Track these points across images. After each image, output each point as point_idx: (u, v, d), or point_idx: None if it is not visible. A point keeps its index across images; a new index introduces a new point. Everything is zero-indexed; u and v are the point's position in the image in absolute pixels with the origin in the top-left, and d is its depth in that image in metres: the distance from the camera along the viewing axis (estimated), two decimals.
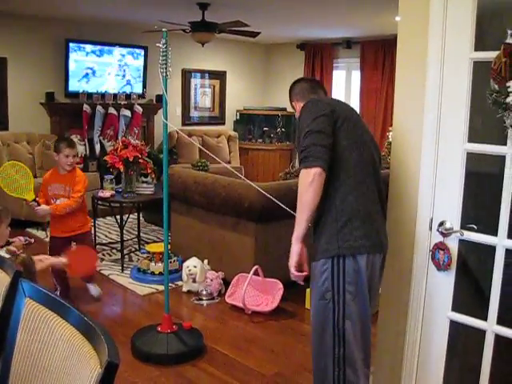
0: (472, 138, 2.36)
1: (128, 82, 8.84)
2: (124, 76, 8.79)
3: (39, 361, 1.56)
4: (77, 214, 4.50)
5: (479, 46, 2.30)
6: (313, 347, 2.50)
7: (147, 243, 6.04)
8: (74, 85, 8.21)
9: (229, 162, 9.81)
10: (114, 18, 7.82)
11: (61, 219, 4.45)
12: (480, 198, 2.63)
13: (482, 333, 2.39)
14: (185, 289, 4.94)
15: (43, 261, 2.90)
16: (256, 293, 4.63)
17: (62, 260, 3.06)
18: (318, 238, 2.42)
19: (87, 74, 8.36)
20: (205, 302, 4.74)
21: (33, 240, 6.35)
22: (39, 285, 1.72)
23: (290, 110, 10.21)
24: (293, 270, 2.40)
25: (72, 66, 8.11)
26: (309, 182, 2.28)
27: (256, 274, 4.53)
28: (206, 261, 5.02)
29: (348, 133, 2.43)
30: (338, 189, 2.38)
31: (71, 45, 8.03)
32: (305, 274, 2.45)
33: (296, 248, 2.38)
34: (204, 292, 4.79)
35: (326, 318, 2.38)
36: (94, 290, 4.71)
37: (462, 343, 2.74)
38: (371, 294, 2.44)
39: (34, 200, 4.22)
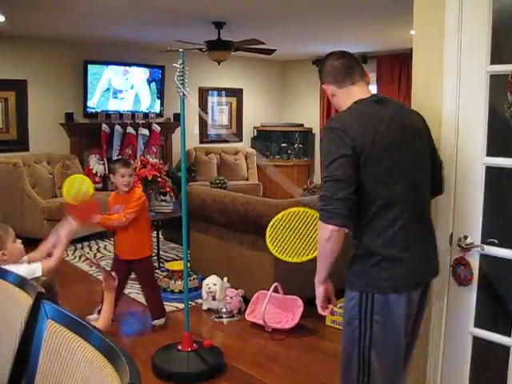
0: (491, 152, 2.35)
1: (146, 102, 8.91)
2: (142, 95, 8.86)
3: (61, 382, 1.57)
4: (135, 236, 4.39)
5: (495, 59, 2.29)
6: (340, 369, 2.42)
7: (167, 261, 6.06)
8: (93, 105, 8.30)
9: (247, 179, 9.84)
10: (130, 38, 7.91)
11: (119, 237, 4.46)
12: (501, 211, 2.61)
13: (506, 349, 2.36)
14: (205, 307, 4.93)
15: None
16: (276, 310, 4.61)
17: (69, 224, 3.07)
18: (349, 267, 2.30)
19: (105, 95, 8.45)
20: (225, 320, 4.73)
21: None
22: (61, 306, 1.74)
23: (307, 125, 10.26)
24: (320, 310, 2.36)
25: (90, 86, 8.21)
26: (326, 238, 2.12)
27: (276, 291, 4.51)
28: (225, 278, 5.01)
29: (376, 168, 2.14)
30: (366, 229, 2.20)
31: (89, 66, 8.14)
32: (332, 307, 2.41)
33: (319, 291, 2.32)
34: (224, 310, 4.78)
35: (352, 344, 2.30)
36: (158, 321, 4.58)
37: (486, 360, 2.70)
38: (411, 328, 2.36)
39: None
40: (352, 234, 2.26)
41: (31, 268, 2.92)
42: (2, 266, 2.75)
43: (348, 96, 2.32)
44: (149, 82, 8.87)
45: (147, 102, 8.93)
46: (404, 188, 2.19)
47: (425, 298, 2.40)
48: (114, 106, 8.52)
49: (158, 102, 9.01)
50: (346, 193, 2.07)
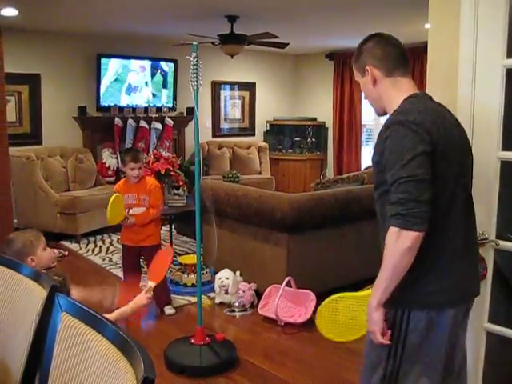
0: (506, 146, 2.33)
1: (159, 95, 8.92)
2: (155, 89, 8.87)
3: (76, 375, 1.58)
4: (147, 224, 4.56)
5: None
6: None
7: (179, 255, 6.07)
8: (106, 99, 8.33)
9: (259, 173, 9.83)
10: (143, 32, 7.91)
11: (130, 227, 4.54)
12: None
13: None
14: (217, 300, 4.94)
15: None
16: (289, 304, 4.61)
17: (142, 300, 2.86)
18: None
19: (118, 88, 8.46)
20: (237, 314, 4.74)
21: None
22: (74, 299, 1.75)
23: (320, 119, 10.22)
24: (380, 338, 2.02)
25: (103, 80, 8.23)
26: (407, 248, 1.86)
27: (288, 285, 4.51)
28: (238, 272, 5.02)
29: (443, 168, 1.95)
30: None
31: (103, 59, 8.15)
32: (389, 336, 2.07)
33: (378, 315, 2.00)
34: (236, 304, 4.79)
35: (377, 364, 2.10)
36: (169, 310, 4.72)
37: (500, 355, 2.69)
38: (453, 351, 2.14)
39: (125, 218, 4.40)
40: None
41: None
42: None
43: (395, 87, 2.12)
44: (162, 75, 8.87)
45: (160, 95, 8.93)
46: (459, 191, 2.03)
47: (465, 319, 2.20)
48: (127, 99, 8.54)
49: (171, 95, 9.00)
50: (430, 195, 1.86)
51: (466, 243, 2.08)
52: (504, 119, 2.32)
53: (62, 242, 6.91)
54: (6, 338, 2.04)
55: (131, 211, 4.49)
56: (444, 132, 1.96)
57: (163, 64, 8.83)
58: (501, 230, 2.38)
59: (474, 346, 2.51)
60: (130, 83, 8.55)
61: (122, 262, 4.90)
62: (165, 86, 8.93)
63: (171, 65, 8.85)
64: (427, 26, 2.66)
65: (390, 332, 2.03)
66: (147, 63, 8.68)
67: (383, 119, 2.16)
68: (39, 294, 1.93)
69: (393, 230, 1.89)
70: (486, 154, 2.37)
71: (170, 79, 8.94)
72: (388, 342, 2.03)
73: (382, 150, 1.98)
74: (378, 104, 2.20)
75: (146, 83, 8.74)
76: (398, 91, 2.10)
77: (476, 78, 2.38)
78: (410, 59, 2.20)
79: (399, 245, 1.88)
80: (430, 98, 2.14)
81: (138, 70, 8.58)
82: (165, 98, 8.96)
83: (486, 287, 2.44)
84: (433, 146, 1.90)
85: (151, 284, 2.93)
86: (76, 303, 1.73)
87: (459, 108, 2.45)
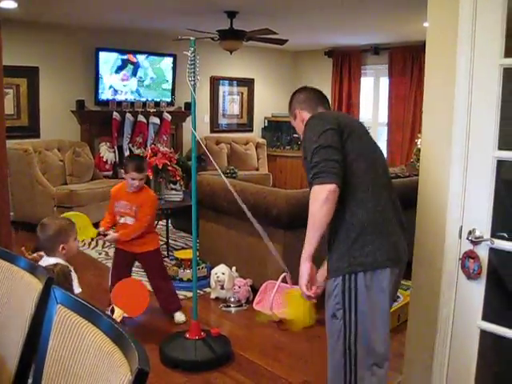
0: (502, 146, 2.34)
1: (157, 90, 8.92)
2: (153, 84, 8.87)
3: (70, 367, 1.58)
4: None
5: (509, 52, 2.28)
6: (328, 362, 2.48)
7: (176, 250, 6.08)
8: (104, 93, 8.32)
9: (257, 169, 9.84)
10: (142, 26, 7.91)
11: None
12: (511, 205, 2.60)
13: None
14: (213, 296, 4.95)
15: None
16: (284, 300, 4.62)
17: None
18: (330, 256, 2.36)
19: (116, 82, 8.45)
20: (233, 309, 4.75)
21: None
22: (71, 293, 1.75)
23: None
24: (304, 289, 2.31)
25: (101, 74, 8.22)
26: (323, 199, 2.17)
27: (284, 281, 4.51)
28: (234, 268, 5.03)
29: (355, 145, 2.34)
30: (348, 203, 2.28)
31: (101, 53, 8.14)
32: (316, 291, 2.40)
33: (306, 267, 2.29)
34: (232, 299, 4.80)
35: (337, 337, 2.33)
36: (179, 317, 4.45)
37: (493, 353, 2.70)
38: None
39: (99, 233, 4.13)
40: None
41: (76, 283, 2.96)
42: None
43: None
44: (160, 70, 8.87)
45: (158, 90, 8.93)
46: (379, 167, 2.42)
47: (399, 279, 2.45)
48: (125, 94, 8.53)
49: (169, 90, 9.01)
50: (338, 157, 2.23)
51: (395, 211, 2.40)
52: (500, 118, 2.33)
53: None
54: (2, 330, 2.04)
55: (123, 220, 4.24)
56: (350, 123, 2.45)
57: (162, 58, 8.82)
58: (496, 228, 2.39)
59: (467, 344, 2.52)
60: (124, 76, 8.54)
61: (112, 266, 4.55)
62: (163, 80, 8.93)
63: (170, 59, 8.84)
64: (426, 24, 2.66)
65: (314, 288, 2.34)
66: (145, 57, 8.67)
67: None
68: (35, 286, 1.94)
69: (313, 188, 2.22)
70: (483, 153, 2.38)
71: (169, 74, 8.93)
72: (313, 296, 2.35)
73: (304, 145, 2.38)
74: None
75: (145, 76, 8.74)
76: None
77: (473, 77, 2.39)
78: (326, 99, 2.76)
79: (317, 197, 2.19)
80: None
81: (133, 62, 8.57)
82: (163, 93, 8.95)
83: (481, 285, 2.45)
84: (341, 127, 2.32)
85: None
86: (71, 296, 1.74)
87: (456, 107, 2.45)
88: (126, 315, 3.26)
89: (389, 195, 2.39)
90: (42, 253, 3.09)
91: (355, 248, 2.25)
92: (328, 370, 2.47)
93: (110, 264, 5.75)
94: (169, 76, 8.96)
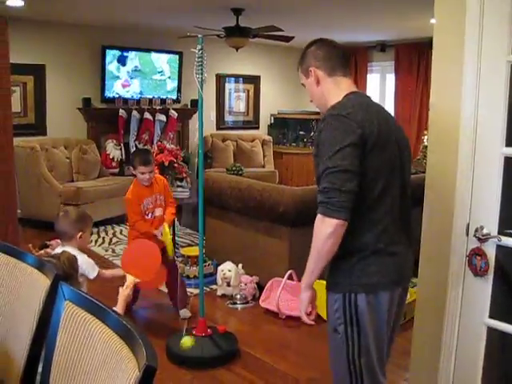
0: (510, 143, 2.33)
1: (163, 87, 8.92)
2: (159, 81, 8.87)
3: (78, 363, 1.59)
4: (158, 224, 4.23)
5: None
6: (333, 376, 2.35)
7: (182, 247, 6.09)
8: (110, 90, 8.34)
9: (263, 166, 9.83)
10: (148, 24, 7.91)
11: (143, 232, 4.14)
12: None
13: None
14: (219, 292, 4.96)
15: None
16: (290, 297, 4.62)
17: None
18: (331, 269, 2.21)
19: (123, 80, 8.46)
20: (239, 306, 4.76)
21: None
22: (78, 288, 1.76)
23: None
24: (305, 318, 2.25)
25: (108, 71, 8.24)
26: (329, 233, 2.00)
27: (290, 278, 4.52)
28: (240, 265, 5.03)
29: (375, 161, 2.07)
30: (357, 224, 2.08)
31: (107, 51, 8.16)
32: (313, 316, 2.34)
33: (307, 296, 2.22)
34: (238, 296, 4.80)
35: (340, 352, 2.21)
36: (185, 313, 4.46)
37: (500, 350, 2.70)
38: (392, 327, 2.28)
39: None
40: None
41: (91, 263, 3.07)
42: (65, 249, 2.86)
43: (337, 86, 2.26)
44: (166, 67, 8.87)
45: (165, 87, 8.93)
46: (394, 182, 2.16)
47: (404, 297, 2.35)
48: (131, 91, 8.54)
49: (176, 88, 9.01)
50: (352, 185, 1.97)
51: (405, 226, 2.23)
52: (508, 115, 2.32)
53: None
54: (10, 326, 2.05)
55: (150, 215, 4.22)
56: (378, 126, 2.08)
57: (168, 56, 8.83)
58: (503, 225, 2.38)
59: (474, 342, 2.52)
60: (130, 74, 8.56)
61: None
62: (169, 77, 8.93)
63: (176, 57, 8.85)
64: (432, 21, 2.66)
65: (314, 312, 2.33)
66: (152, 55, 8.68)
67: None
68: (43, 282, 1.95)
69: (318, 217, 2.04)
70: (490, 150, 2.37)
71: (175, 71, 8.93)
72: (312, 323, 2.28)
73: (317, 143, 2.11)
74: (322, 103, 2.31)
75: (153, 72, 8.74)
76: (339, 90, 2.24)
77: (481, 74, 2.38)
78: (350, 61, 2.41)
79: (322, 230, 2.03)
80: (368, 97, 2.30)
81: (140, 60, 8.58)
82: (169, 90, 8.95)
83: (488, 282, 2.44)
84: (364, 138, 2.02)
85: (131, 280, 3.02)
86: (79, 292, 1.74)
87: (463, 104, 2.45)
88: (138, 280, 3.17)
89: (400, 214, 2.21)
90: (53, 242, 3.17)
91: (358, 268, 2.12)
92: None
93: (116, 261, 5.78)
94: (174, 73, 8.95)
